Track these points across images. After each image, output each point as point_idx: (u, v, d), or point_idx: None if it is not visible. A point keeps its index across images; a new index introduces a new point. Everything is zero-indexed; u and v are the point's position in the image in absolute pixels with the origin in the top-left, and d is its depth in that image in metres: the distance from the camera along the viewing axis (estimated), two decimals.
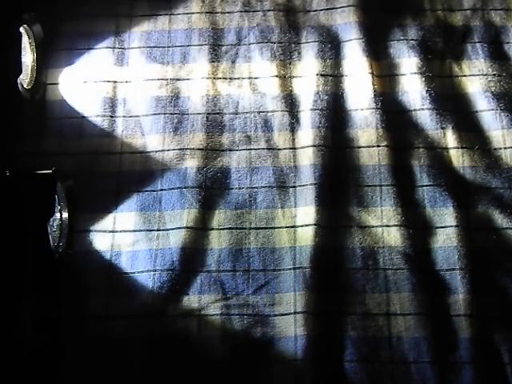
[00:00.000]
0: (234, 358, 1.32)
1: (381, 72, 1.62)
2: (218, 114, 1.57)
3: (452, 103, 1.58)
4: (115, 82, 1.61)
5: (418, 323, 1.33)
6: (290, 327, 1.33)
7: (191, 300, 1.37)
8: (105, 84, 1.61)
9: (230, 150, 1.53)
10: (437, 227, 1.43)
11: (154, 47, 1.66)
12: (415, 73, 1.60)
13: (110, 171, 1.51)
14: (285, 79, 1.61)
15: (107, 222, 1.45)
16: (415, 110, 1.56)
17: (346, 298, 1.36)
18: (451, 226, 1.42)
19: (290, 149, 1.53)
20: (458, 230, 1.42)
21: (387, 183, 1.47)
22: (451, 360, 1.30)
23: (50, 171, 1.40)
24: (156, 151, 1.53)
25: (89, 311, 1.37)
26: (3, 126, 1.56)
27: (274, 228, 1.44)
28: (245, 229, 1.44)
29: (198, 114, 1.57)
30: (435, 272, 1.39)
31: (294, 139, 1.54)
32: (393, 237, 1.42)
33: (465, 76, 1.61)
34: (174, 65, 1.64)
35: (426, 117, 1.55)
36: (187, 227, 1.43)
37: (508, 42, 1.65)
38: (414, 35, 1.66)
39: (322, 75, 1.60)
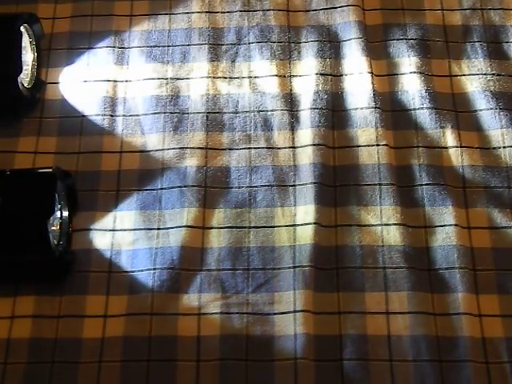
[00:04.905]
0: (233, 357, 1.32)
1: (380, 71, 1.62)
2: (217, 113, 1.57)
3: (451, 102, 1.58)
4: (115, 81, 1.62)
5: (417, 322, 1.33)
6: (290, 326, 1.33)
7: (191, 298, 1.37)
8: (105, 83, 1.61)
9: (230, 149, 1.53)
10: (436, 226, 1.43)
11: (154, 46, 1.66)
12: (415, 72, 1.60)
13: (110, 170, 1.51)
14: (284, 78, 1.61)
15: (107, 221, 1.46)
16: (415, 109, 1.56)
17: (346, 297, 1.37)
18: (450, 225, 1.42)
19: (290, 148, 1.53)
20: (457, 229, 1.42)
21: (387, 182, 1.47)
22: (450, 358, 1.30)
23: (51, 170, 1.40)
24: (156, 150, 1.53)
25: (88, 309, 1.37)
26: (3, 125, 1.56)
27: (274, 227, 1.44)
28: (244, 228, 1.44)
29: (197, 113, 1.57)
30: (434, 270, 1.39)
31: (293, 138, 1.54)
32: (392, 235, 1.42)
33: (464, 75, 1.61)
34: (173, 64, 1.64)
35: (425, 116, 1.55)
36: (187, 226, 1.43)
37: (507, 42, 1.65)
38: (413, 34, 1.66)
39: (321, 74, 1.61)
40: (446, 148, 1.52)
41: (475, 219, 1.45)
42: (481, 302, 1.36)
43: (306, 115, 1.56)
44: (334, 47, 1.65)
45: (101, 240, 1.44)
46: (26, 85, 1.54)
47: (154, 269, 1.40)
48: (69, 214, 1.43)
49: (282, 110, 1.57)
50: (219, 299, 1.37)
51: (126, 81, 1.62)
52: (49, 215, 1.33)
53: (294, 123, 1.56)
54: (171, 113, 1.57)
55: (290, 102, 1.58)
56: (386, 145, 1.51)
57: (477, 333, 1.33)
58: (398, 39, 1.66)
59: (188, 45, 1.66)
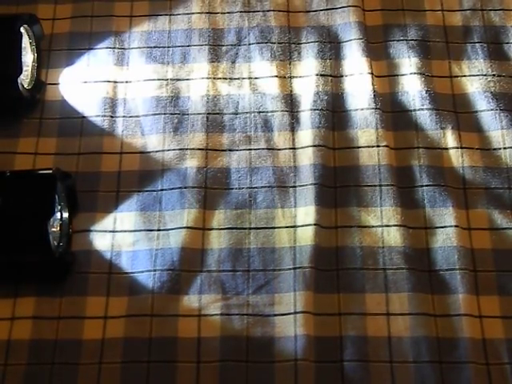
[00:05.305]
0: (233, 358, 1.32)
1: (381, 72, 1.62)
2: (218, 114, 1.57)
3: (452, 103, 1.58)
4: (115, 82, 1.62)
5: (418, 323, 1.33)
6: (290, 327, 1.33)
7: (191, 300, 1.37)
8: (105, 84, 1.61)
9: (230, 150, 1.53)
10: (436, 227, 1.43)
11: (154, 47, 1.66)
12: (415, 73, 1.60)
13: (110, 171, 1.51)
14: (285, 79, 1.61)
15: (107, 222, 1.45)
16: (415, 110, 1.56)
17: (346, 298, 1.36)
18: (451, 226, 1.42)
19: (290, 149, 1.53)
20: (458, 230, 1.42)
21: (387, 183, 1.47)
22: (451, 359, 1.30)
23: (51, 171, 1.40)
24: (156, 151, 1.53)
25: (88, 311, 1.37)
26: (3, 126, 1.56)
27: (274, 228, 1.44)
28: (245, 229, 1.44)
29: (198, 114, 1.57)
30: (435, 272, 1.39)
31: (293, 139, 1.54)
32: (392, 237, 1.42)
33: (464, 76, 1.61)
34: (174, 65, 1.64)
35: (425, 117, 1.55)
36: (187, 227, 1.43)
37: (507, 43, 1.64)
38: (413, 35, 1.66)
39: (321, 75, 1.61)
40: (447, 149, 1.52)
41: (476, 220, 1.45)
42: (481, 303, 1.36)
43: (307, 116, 1.56)
44: (335, 48, 1.65)
45: (101, 241, 1.44)
46: (26, 86, 1.54)
47: (155, 270, 1.39)
48: (69, 215, 1.43)
49: (282, 110, 1.57)
50: (219, 300, 1.37)
51: (126, 82, 1.62)
52: (49, 216, 1.33)
53: (294, 124, 1.55)
54: (171, 114, 1.57)
55: (291, 103, 1.58)
56: (387, 146, 1.51)
57: (477, 334, 1.33)
58: (398, 40, 1.66)
59: (188, 45, 1.66)
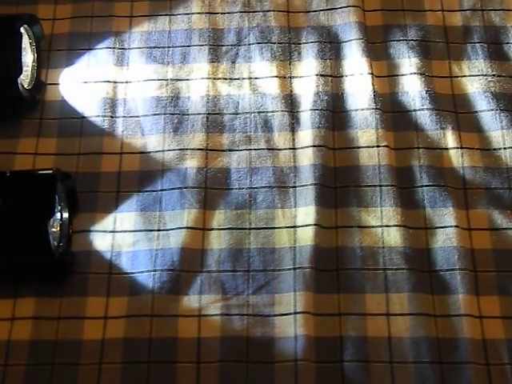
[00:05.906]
0: (233, 359, 1.32)
1: (381, 72, 1.62)
2: (218, 114, 1.57)
3: (452, 103, 1.58)
4: (115, 82, 1.62)
5: (418, 323, 1.33)
6: (290, 327, 1.33)
7: (191, 300, 1.37)
8: (105, 84, 1.61)
9: (230, 151, 1.53)
10: (436, 227, 1.43)
11: (154, 47, 1.66)
12: (415, 73, 1.60)
13: (110, 171, 1.51)
14: (285, 79, 1.61)
15: (107, 222, 1.45)
16: (415, 110, 1.56)
17: (346, 298, 1.36)
18: (451, 226, 1.42)
19: (290, 149, 1.53)
20: (458, 230, 1.42)
21: (387, 183, 1.47)
22: (451, 360, 1.30)
23: (51, 171, 1.40)
24: (156, 151, 1.53)
25: (88, 311, 1.37)
26: (3, 126, 1.56)
27: (274, 228, 1.44)
28: (245, 229, 1.44)
29: (198, 114, 1.57)
30: (435, 272, 1.39)
31: (294, 139, 1.54)
32: (393, 237, 1.42)
33: (464, 76, 1.61)
34: (174, 65, 1.64)
35: (425, 117, 1.55)
36: (187, 227, 1.43)
37: (508, 43, 1.64)
38: (413, 35, 1.66)
39: (321, 75, 1.61)
40: (447, 149, 1.52)
41: (476, 220, 1.45)
42: (481, 303, 1.36)
43: (307, 116, 1.56)
44: (335, 48, 1.65)
45: (101, 241, 1.44)
46: (25, 86, 1.54)
47: (155, 270, 1.39)
48: (69, 216, 1.43)
49: (282, 111, 1.57)
50: (219, 301, 1.37)
51: (126, 82, 1.62)
52: (49, 217, 1.33)
53: (294, 124, 1.55)
54: (171, 114, 1.57)
55: (291, 103, 1.58)
56: (387, 146, 1.51)
57: (477, 334, 1.33)
58: (398, 40, 1.66)
59: (188, 46, 1.66)
